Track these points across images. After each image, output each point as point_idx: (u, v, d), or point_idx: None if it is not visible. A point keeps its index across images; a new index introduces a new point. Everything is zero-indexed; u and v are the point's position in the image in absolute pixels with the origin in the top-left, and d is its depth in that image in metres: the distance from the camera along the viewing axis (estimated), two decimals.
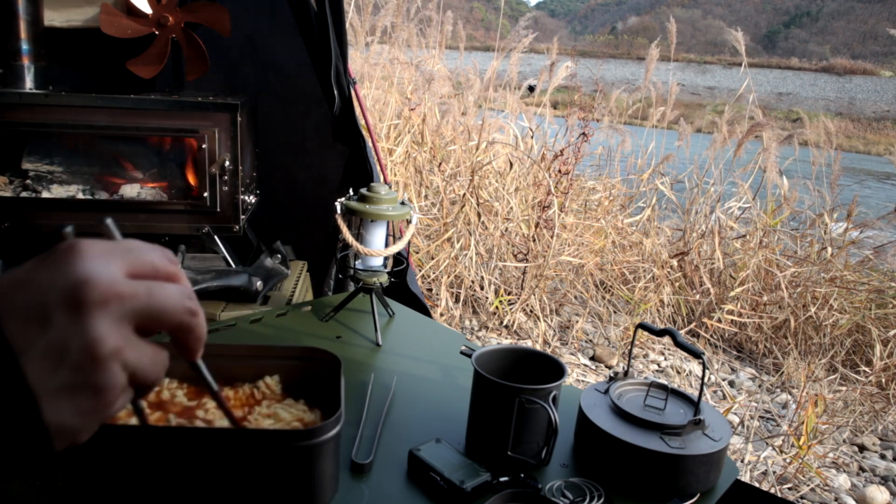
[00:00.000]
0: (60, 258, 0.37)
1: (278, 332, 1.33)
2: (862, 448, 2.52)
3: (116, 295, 0.36)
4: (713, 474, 0.92)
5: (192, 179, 1.88)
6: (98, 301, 0.36)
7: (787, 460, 2.25)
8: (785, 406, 2.79)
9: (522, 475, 0.89)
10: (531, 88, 4.84)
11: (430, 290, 3.40)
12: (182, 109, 1.81)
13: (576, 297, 3.58)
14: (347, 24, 4.06)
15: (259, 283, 1.91)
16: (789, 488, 2.15)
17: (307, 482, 0.67)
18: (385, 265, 1.42)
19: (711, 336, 3.36)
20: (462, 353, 1.02)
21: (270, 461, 0.66)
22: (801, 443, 2.19)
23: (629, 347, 1.19)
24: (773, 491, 2.08)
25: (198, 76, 1.92)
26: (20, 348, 0.34)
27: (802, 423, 2.25)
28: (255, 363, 0.83)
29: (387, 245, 1.40)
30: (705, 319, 3.36)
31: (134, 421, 0.73)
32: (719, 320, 3.33)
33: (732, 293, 3.42)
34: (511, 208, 3.63)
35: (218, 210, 1.85)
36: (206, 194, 1.83)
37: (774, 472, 2.18)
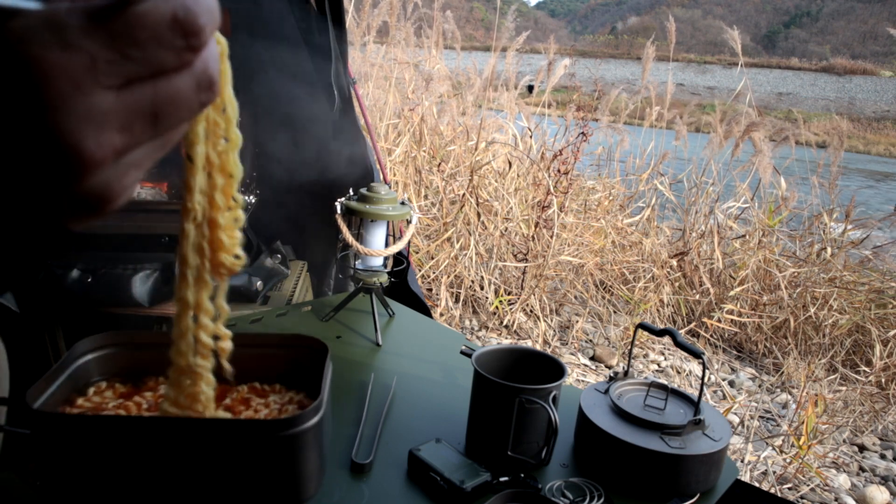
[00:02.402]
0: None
1: (278, 332, 1.33)
2: (862, 448, 2.52)
3: (111, 154, 0.29)
4: (713, 474, 0.92)
5: None
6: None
7: (787, 460, 2.25)
8: (785, 406, 2.79)
9: (522, 475, 0.89)
10: (530, 88, 4.85)
11: (430, 290, 3.40)
12: None
13: (576, 297, 3.58)
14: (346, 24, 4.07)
15: (259, 283, 1.91)
16: (789, 488, 2.15)
17: (287, 474, 0.66)
18: (385, 265, 1.42)
19: (711, 336, 3.36)
20: (462, 353, 1.02)
21: (248, 452, 0.64)
22: (801, 443, 2.19)
23: (629, 347, 1.19)
24: (773, 491, 2.08)
25: None
26: None
27: (802, 423, 2.26)
28: (239, 352, 0.82)
29: (387, 245, 1.40)
30: (705, 319, 3.36)
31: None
32: (719, 320, 3.33)
33: (732, 293, 3.42)
34: (511, 208, 3.63)
35: None
36: None
37: (774, 472, 2.18)
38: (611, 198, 4.03)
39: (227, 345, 0.62)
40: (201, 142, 0.52)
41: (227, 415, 0.75)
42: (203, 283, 0.59)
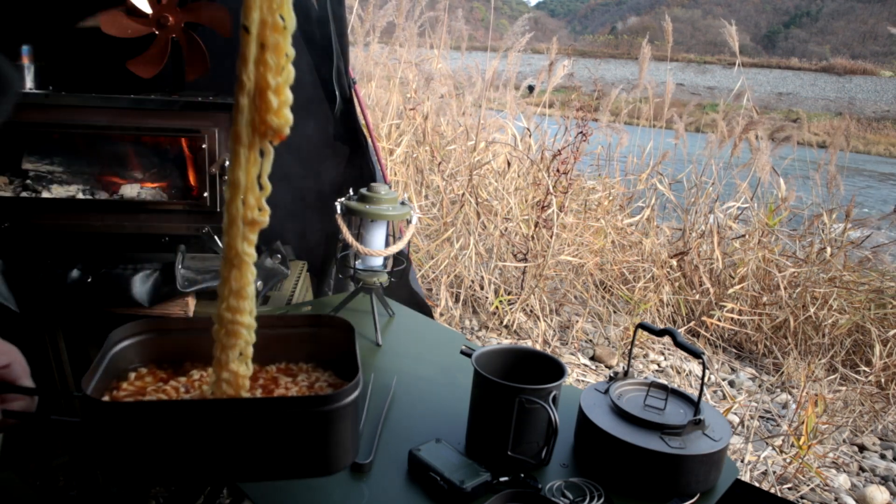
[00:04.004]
0: None
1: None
2: (862, 448, 2.52)
3: None
4: (713, 474, 0.92)
5: (192, 179, 1.88)
6: None
7: (787, 460, 2.25)
8: (785, 406, 2.79)
9: (522, 475, 0.89)
10: (531, 88, 4.85)
11: (430, 290, 3.40)
12: (182, 109, 1.81)
13: (576, 297, 3.58)
14: (349, 24, 4.07)
15: (259, 283, 1.91)
16: (789, 488, 2.15)
17: (327, 446, 0.69)
18: (385, 265, 1.42)
19: (711, 336, 3.36)
20: (462, 353, 1.02)
21: (292, 427, 0.67)
22: (801, 443, 2.19)
23: (629, 347, 1.19)
24: (773, 491, 2.08)
25: (198, 76, 1.92)
26: None
27: (802, 423, 2.26)
28: (265, 333, 0.84)
29: (387, 245, 1.40)
30: (705, 318, 3.36)
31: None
32: (719, 319, 3.33)
33: (731, 291, 3.42)
34: (510, 208, 3.63)
35: (218, 210, 1.85)
36: (206, 194, 1.83)
37: (774, 472, 2.18)
38: (610, 198, 4.03)
39: (265, 219, 0.67)
40: (257, 7, 0.55)
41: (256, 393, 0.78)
42: (253, 162, 0.63)
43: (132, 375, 0.81)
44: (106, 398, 0.75)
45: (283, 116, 0.62)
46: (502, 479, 0.88)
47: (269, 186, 0.65)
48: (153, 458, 0.67)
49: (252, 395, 0.77)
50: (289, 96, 0.62)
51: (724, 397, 2.78)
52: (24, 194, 1.80)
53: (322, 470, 0.70)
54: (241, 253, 0.67)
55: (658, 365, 3.09)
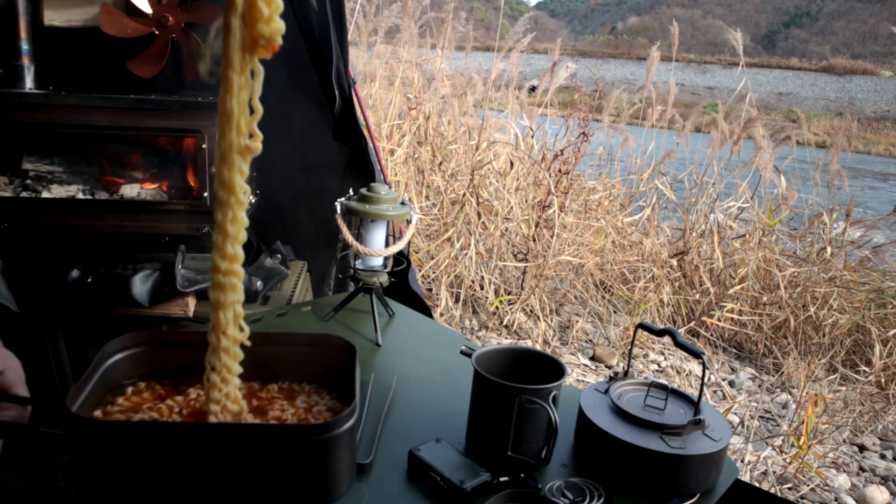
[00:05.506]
0: None
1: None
2: (862, 448, 2.52)
3: None
4: (713, 474, 0.92)
5: (192, 179, 1.88)
6: None
7: (787, 460, 2.25)
8: (785, 406, 2.79)
9: (522, 475, 0.89)
10: (532, 89, 4.85)
11: (430, 290, 3.40)
12: (182, 109, 1.81)
13: (576, 297, 3.58)
14: (352, 24, 4.08)
15: (259, 283, 1.91)
16: (789, 488, 2.15)
17: (323, 475, 0.67)
18: (385, 265, 1.42)
19: (711, 336, 3.36)
20: (462, 353, 1.02)
21: (285, 456, 0.65)
22: (801, 443, 2.19)
23: (629, 347, 1.19)
24: (773, 491, 2.08)
25: (198, 76, 1.92)
26: None
27: (802, 423, 2.26)
28: (263, 350, 0.82)
29: (387, 245, 1.40)
30: (705, 318, 3.36)
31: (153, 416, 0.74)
32: (719, 319, 3.33)
33: (731, 291, 3.42)
34: (511, 208, 3.63)
35: None
36: (206, 194, 1.83)
37: (774, 472, 2.18)
38: (611, 198, 4.03)
39: (257, 145, 0.64)
40: None
41: (250, 417, 0.76)
42: (245, 85, 0.61)
43: (129, 390, 0.78)
44: (98, 413, 0.72)
45: (275, 24, 0.59)
46: (502, 479, 0.88)
47: (260, 109, 0.63)
48: (132, 480, 0.64)
49: (244, 416, 0.74)
50: (280, 3, 0.60)
51: (724, 397, 2.78)
52: (24, 194, 1.80)
53: (316, 499, 0.68)
54: (237, 187, 0.63)
55: (658, 365, 3.08)
